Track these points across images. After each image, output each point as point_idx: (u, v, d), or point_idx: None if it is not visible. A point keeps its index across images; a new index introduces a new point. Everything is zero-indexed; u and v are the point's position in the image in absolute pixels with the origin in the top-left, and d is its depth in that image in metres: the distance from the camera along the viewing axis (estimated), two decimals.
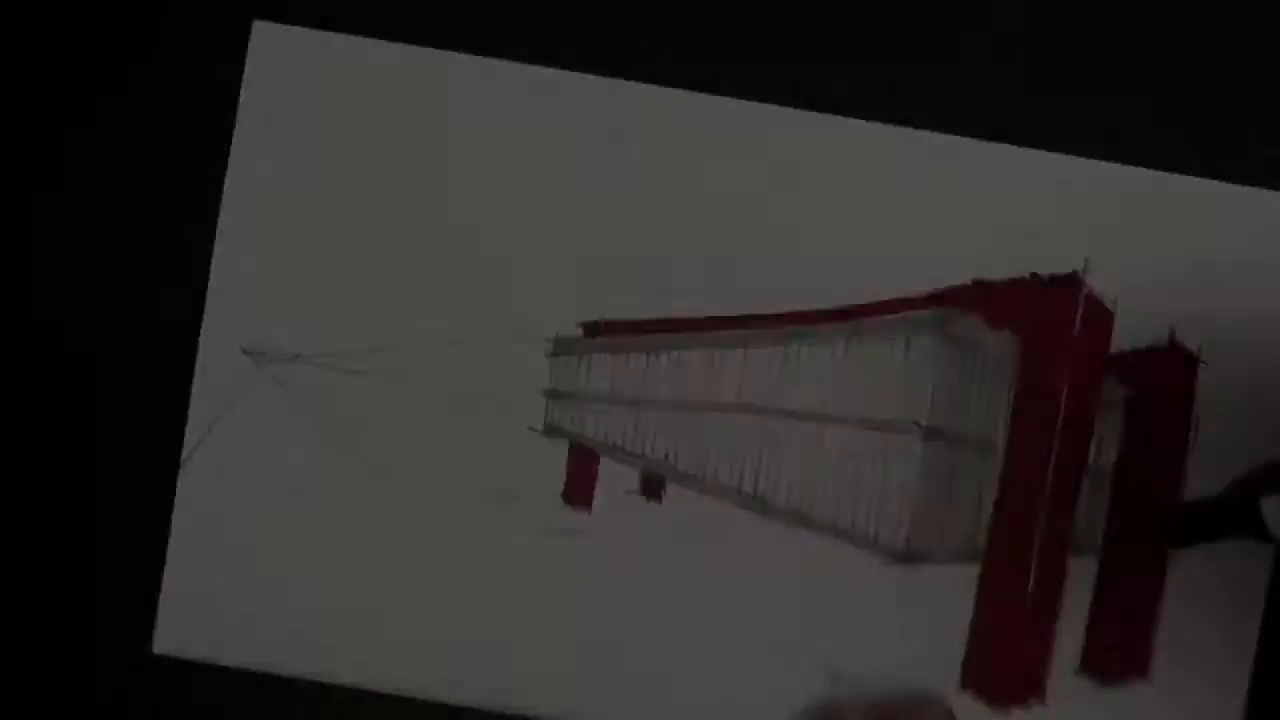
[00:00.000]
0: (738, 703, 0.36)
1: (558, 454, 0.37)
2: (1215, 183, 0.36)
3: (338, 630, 0.36)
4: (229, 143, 0.36)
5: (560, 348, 0.36)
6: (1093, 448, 0.36)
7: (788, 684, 0.36)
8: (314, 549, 0.37)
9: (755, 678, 0.36)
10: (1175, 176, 0.36)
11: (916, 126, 0.36)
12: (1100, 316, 0.36)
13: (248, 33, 0.36)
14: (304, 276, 0.36)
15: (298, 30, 0.36)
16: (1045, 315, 0.36)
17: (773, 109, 0.36)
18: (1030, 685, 0.36)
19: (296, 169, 0.36)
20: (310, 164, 0.36)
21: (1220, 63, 0.36)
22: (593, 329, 0.36)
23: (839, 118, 0.36)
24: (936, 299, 0.36)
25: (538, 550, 0.36)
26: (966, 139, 0.36)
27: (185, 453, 0.36)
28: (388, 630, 0.36)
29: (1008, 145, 0.36)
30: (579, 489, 0.37)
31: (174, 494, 0.36)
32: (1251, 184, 0.36)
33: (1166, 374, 0.36)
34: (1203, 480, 0.36)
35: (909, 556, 0.36)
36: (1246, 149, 0.36)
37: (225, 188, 0.36)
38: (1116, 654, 0.36)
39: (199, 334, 0.37)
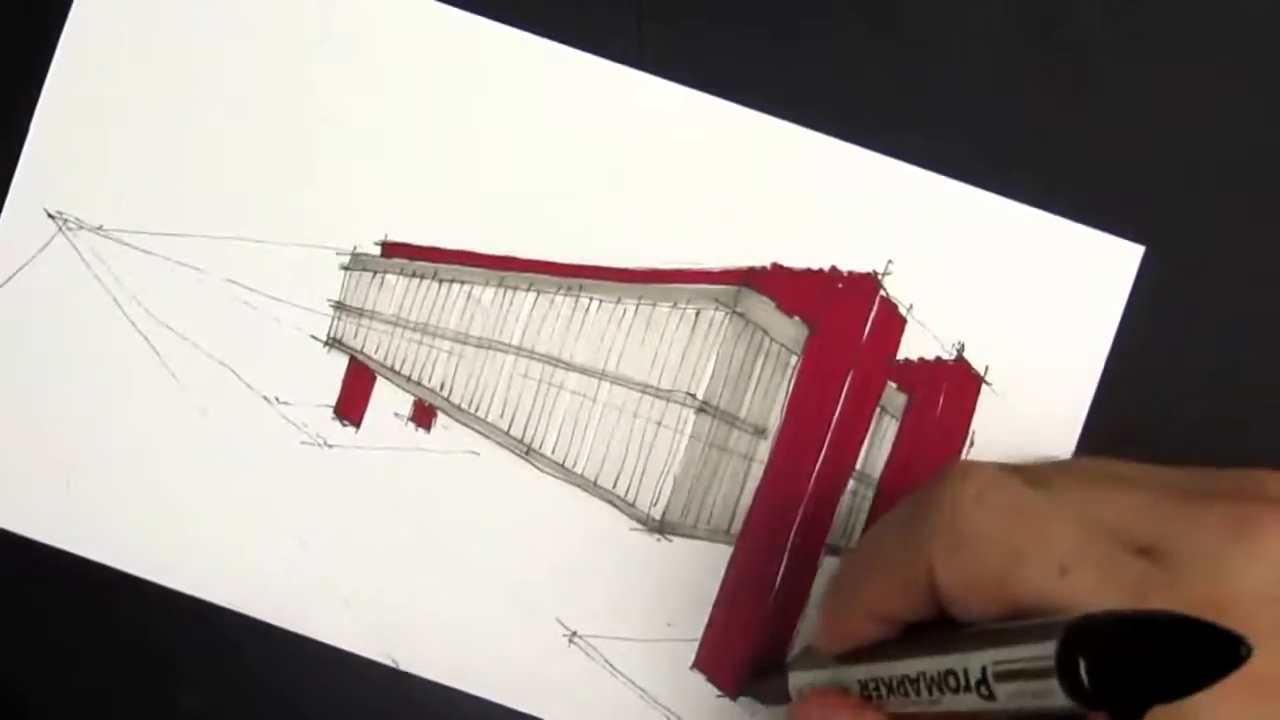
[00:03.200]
0: (469, 645, 0.36)
1: (336, 367, 0.37)
2: (1028, 209, 0.35)
3: (89, 503, 0.37)
4: (69, 6, 0.37)
5: (355, 263, 0.37)
6: (863, 450, 0.36)
7: (523, 634, 0.36)
8: (79, 418, 0.37)
9: (490, 623, 0.36)
10: (988, 195, 0.35)
11: (754, 106, 0.36)
12: (892, 320, 0.36)
13: None
14: (120, 154, 0.37)
15: None
16: (838, 310, 0.36)
17: (617, 68, 0.36)
18: (762, 676, 0.36)
19: (130, 45, 0.37)
20: (145, 43, 0.37)
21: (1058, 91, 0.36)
22: (390, 249, 0.36)
23: (677, 86, 0.36)
24: (733, 276, 0.36)
25: (295, 457, 0.36)
26: (790, 124, 0.36)
27: None
28: (131, 506, 0.37)
29: (831, 137, 0.36)
30: (350, 405, 0.37)
31: None
32: (1071, 217, 0.35)
33: (949, 388, 0.35)
34: None
35: (663, 528, 0.36)
36: (1075, 180, 0.35)
37: (56, 54, 0.37)
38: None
39: (7, 190, 0.37)
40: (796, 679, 0.32)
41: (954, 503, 0.26)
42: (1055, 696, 0.22)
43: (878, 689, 0.28)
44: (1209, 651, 0.21)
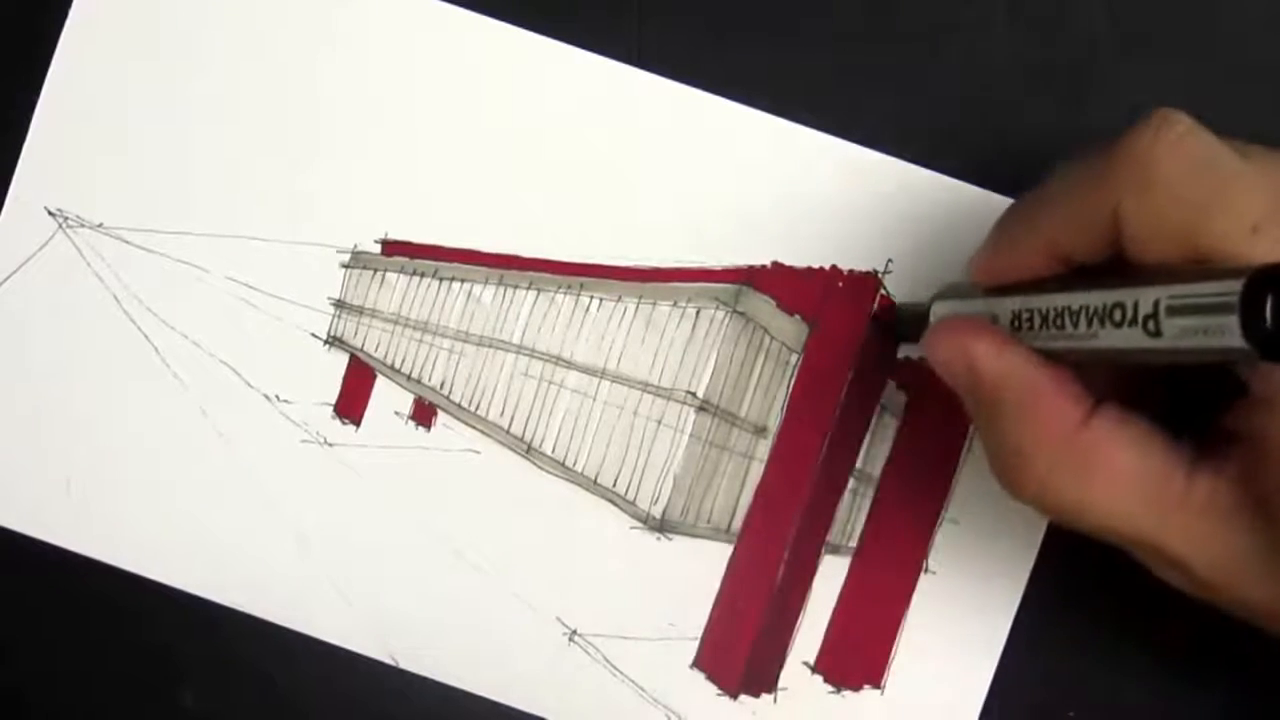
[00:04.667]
0: (469, 643, 0.36)
1: (337, 365, 0.37)
2: None
3: (89, 502, 0.37)
4: (69, 6, 0.37)
5: (356, 260, 0.37)
6: (864, 449, 0.36)
7: (523, 632, 0.36)
8: (80, 416, 0.37)
9: (490, 621, 0.36)
10: (988, 194, 0.35)
11: (754, 105, 0.36)
12: (892, 320, 0.36)
13: None
14: (120, 152, 0.37)
15: None
16: (839, 309, 0.36)
17: (617, 68, 0.36)
18: (762, 675, 0.36)
19: (130, 43, 0.37)
20: (145, 42, 0.37)
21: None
22: (391, 247, 0.36)
23: (677, 85, 0.36)
24: (734, 274, 0.36)
25: (296, 456, 0.36)
26: (790, 124, 0.36)
27: None
28: (131, 504, 0.37)
29: (831, 136, 0.36)
30: (350, 404, 0.37)
31: None
32: None
33: (949, 388, 0.35)
34: (967, 498, 0.35)
35: (663, 526, 0.36)
36: None
37: (56, 53, 0.37)
38: (852, 658, 0.36)
39: (7, 187, 0.37)
40: (940, 308, 0.31)
41: (1153, 144, 0.25)
42: (1228, 335, 0.21)
43: (1030, 320, 0.27)
44: None
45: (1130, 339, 0.24)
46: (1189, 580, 0.27)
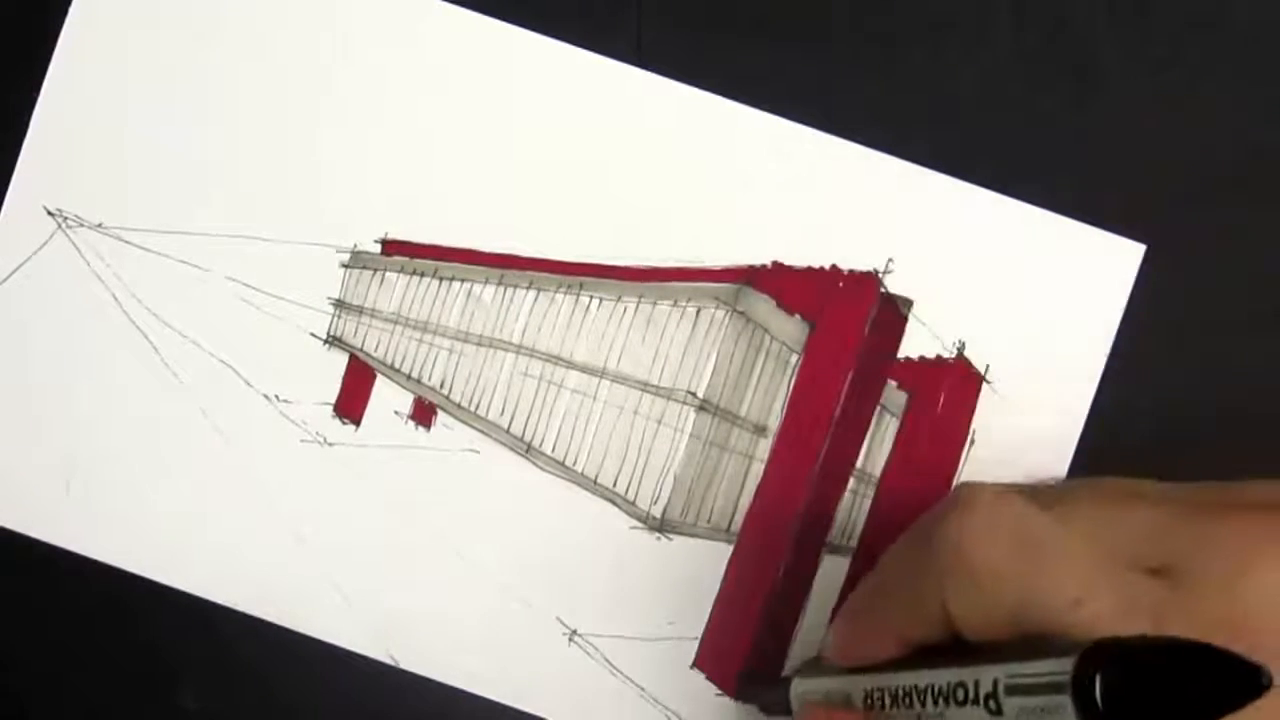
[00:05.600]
0: (469, 643, 0.36)
1: (337, 365, 0.37)
2: (1029, 207, 0.35)
3: (89, 501, 0.37)
4: (69, 6, 0.37)
5: (356, 260, 0.37)
6: (864, 449, 0.36)
7: (522, 632, 0.36)
8: (79, 416, 0.37)
9: (489, 621, 0.36)
10: (989, 194, 0.35)
11: (754, 105, 0.36)
12: (893, 319, 0.36)
13: None
14: (119, 151, 0.37)
15: None
16: (839, 309, 0.36)
17: (617, 67, 0.36)
18: (762, 675, 0.36)
19: (130, 43, 0.37)
20: (144, 41, 0.37)
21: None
22: (391, 247, 0.36)
23: (677, 85, 0.36)
24: (734, 274, 0.36)
25: (295, 455, 0.36)
26: (790, 123, 0.36)
27: None
28: (130, 504, 0.37)
29: (832, 136, 0.36)
30: (350, 403, 0.37)
31: None
32: (1072, 217, 0.35)
33: (949, 386, 0.35)
34: None
35: (663, 526, 0.36)
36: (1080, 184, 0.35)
37: (56, 52, 0.37)
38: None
39: (6, 187, 0.37)
40: (799, 686, 0.32)
41: (960, 538, 0.26)
42: (1065, 714, 0.22)
43: (882, 699, 0.28)
44: (1229, 679, 0.21)
45: (975, 718, 0.25)
46: None
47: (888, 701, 0.28)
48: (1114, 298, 0.35)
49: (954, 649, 0.26)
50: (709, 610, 0.36)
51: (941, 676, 0.26)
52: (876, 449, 0.36)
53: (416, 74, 0.36)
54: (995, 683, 0.24)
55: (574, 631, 0.36)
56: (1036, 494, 0.27)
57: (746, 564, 0.36)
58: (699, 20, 0.36)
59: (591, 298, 0.36)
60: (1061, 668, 0.22)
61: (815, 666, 0.32)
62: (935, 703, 0.26)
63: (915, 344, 0.36)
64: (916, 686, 0.27)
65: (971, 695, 0.25)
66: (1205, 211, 0.35)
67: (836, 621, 0.30)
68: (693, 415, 0.36)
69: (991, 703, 0.24)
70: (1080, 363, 0.35)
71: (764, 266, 0.36)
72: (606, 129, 0.36)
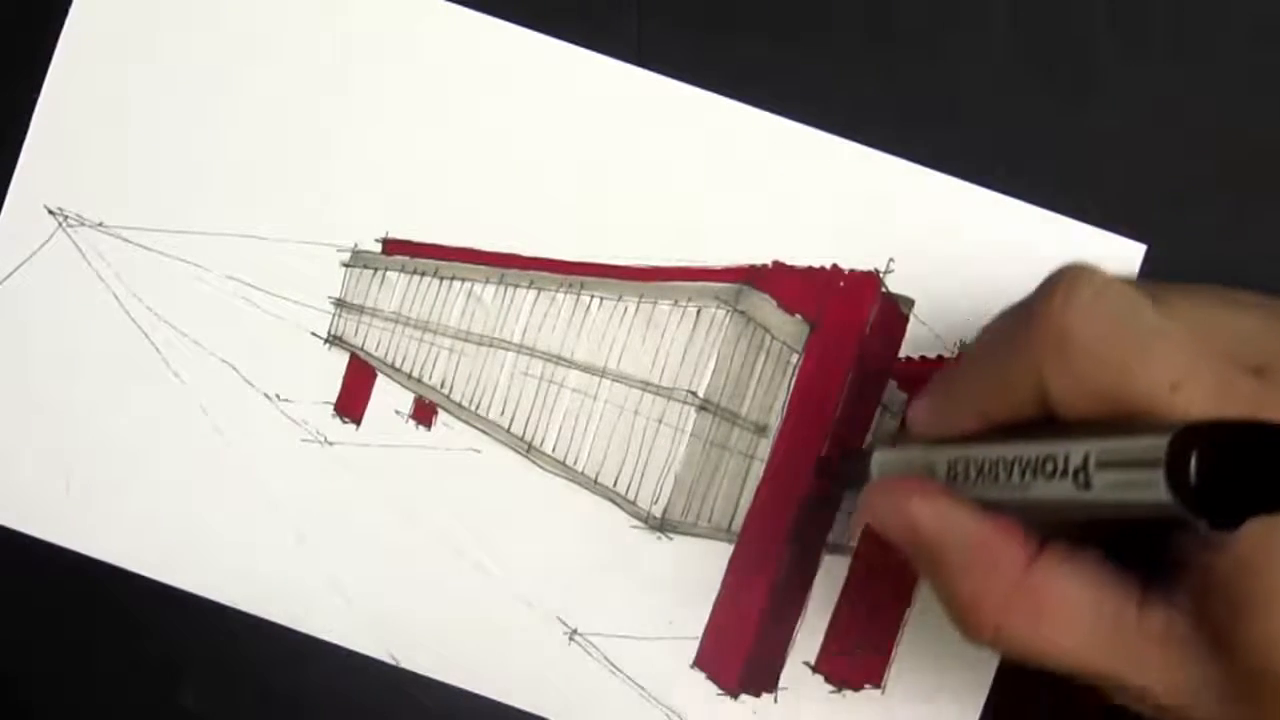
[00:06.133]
0: (469, 642, 0.36)
1: (337, 364, 0.37)
2: (1029, 207, 0.35)
3: (89, 500, 0.37)
4: (69, 5, 0.37)
5: (356, 260, 0.37)
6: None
7: (523, 631, 0.36)
8: (79, 415, 0.37)
9: (490, 620, 0.36)
10: (989, 193, 0.35)
11: (754, 104, 0.36)
12: (893, 319, 0.36)
13: None
14: (120, 150, 0.37)
15: None
16: (839, 308, 0.36)
17: (617, 67, 0.36)
18: (763, 675, 0.36)
19: (131, 42, 0.37)
20: (145, 40, 0.37)
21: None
22: (391, 246, 0.36)
23: (677, 84, 0.36)
24: (734, 274, 0.36)
25: (296, 455, 0.36)
26: (790, 123, 0.36)
27: None
28: (131, 503, 0.37)
29: (831, 136, 0.36)
30: (351, 403, 0.37)
31: None
32: (1072, 217, 0.35)
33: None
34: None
35: (664, 526, 0.36)
36: (1080, 184, 0.35)
37: (56, 51, 0.37)
38: (853, 658, 0.36)
39: (7, 186, 0.37)
40: (880, 457, 0.31)
41: (1065, 313, 0.25)
42: (1155, 490, 0.22)
43: (966, 471, 0.27)
44: None
45: (1061, 491, 0.25)
46: (1149, 707, 0.27)
47: (972, 473, 0.27)
48: None
49: (1038, 428, 0.26)
50: (709, 610, 0.36)
51: (1031, 449, 0.25)
52: None
53: (416, 74, 0.36)
54: (1086, 457, 0.24)
55: (574, 631, 0.36)
56: (1135, 285, 0.27)
57: (746, 564, 0.36)
58: (699, 20, 0.36)
59: (592, 297, 0.36)
60: (1158, 444, 0.22)
61: (897, 438, 0.31)
62: (1021, 475, 0.26)
63: (915, 344, 0.36)
64: (1003, 458, 0.26)
65: (1060, 468, 0.25)
66: (1205, 211, 0.35)
67: (922, 395, 0.30)
68: (693, 415, 0.36)
69: (1080, 476, 0.24)
70: None
71: (764, 266, 0.36)
72: (606, 129, 0.36)
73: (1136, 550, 0.27)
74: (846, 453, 0.35)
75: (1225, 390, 0.24)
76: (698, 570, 0.36)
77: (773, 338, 0.36)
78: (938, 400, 0.29)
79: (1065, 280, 0.26)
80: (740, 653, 0.36)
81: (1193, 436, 0.22)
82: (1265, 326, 0.27)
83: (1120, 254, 0.35)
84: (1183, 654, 0.26)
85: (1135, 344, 0.25)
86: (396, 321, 0.37)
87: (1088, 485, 0.24)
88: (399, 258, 0.36)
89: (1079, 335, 0.25)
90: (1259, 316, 0.27)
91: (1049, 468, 0.25)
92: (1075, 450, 0.24)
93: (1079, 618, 0.26)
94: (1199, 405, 0.24)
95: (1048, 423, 0.26)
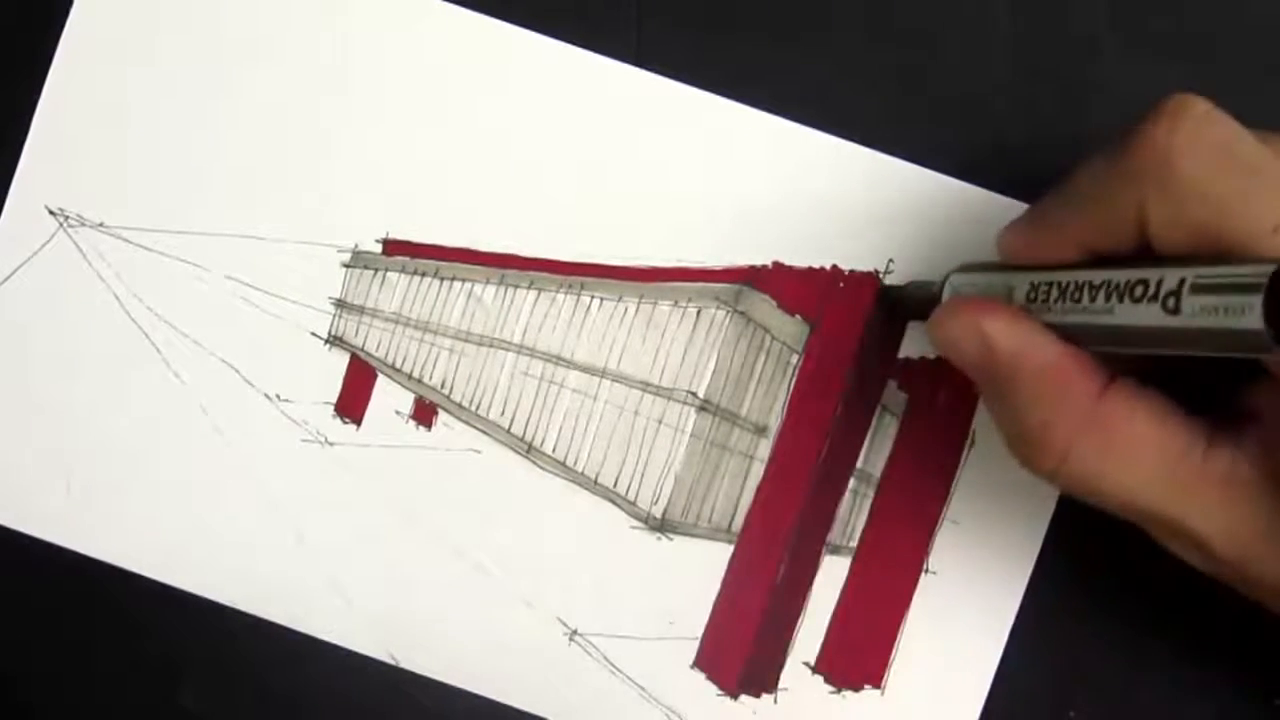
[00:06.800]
0: (469, 642, 0.36)
1: (338, 364, 0.37)
2: (1026, 206, 0.35)
3: (89, 501, 0.37)
4: (69, 6, 0.37)
5: (357, 260, 0.37)
6: (864, 449, 0.36)
7: (523, 631, 0.36)
8: (80, 415, 0.37)
9: (490, 620, 0.36)
10: (988, 194, 0.35)
11: (754, 104, 0.36)
12: (901, 296, 0.35)
13: None
14: (121, 151, 0.37)
15: None
16: (839, 309, 0.36)
17: (617, 67, 0.36)
18: (762, 675, 0.36)
19: (131, 43, 0.37)
20: (146, 41, 0.37)
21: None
22: (392, 247, 0.36)
23: (677, 85, 0.36)
24: (734, 274, 0.36)
25: (296, 455, 0.36)
26: (790, 123, 0.36)
27: None
28: (131, 503, 0.37)
29: (831, 136, 0.36)
30: (351, 403, 0.37)
31: None
32: None
33: (949, 386, 0.35)
34: (967, 498, 0.35)
35: (664, 526, 0.36)
36: None
37: (57, 52, 0.37)
38: (853, 658, 0.36)
39: (8, 187, 0.37)
40: (956, 280, 0.31)
41: (1169, 145, 0.25)
42: (1249, 318, 0.22)
43: (1048, 293, 0.27)
44: None
45: (1146, 316, 0.24)
46: (1204, 557, 0.27)
47: (1054, 295, 0.27)
48: None
49: (1133, 260, 0.26)
50: (709, 610, 0.36)
51: (1123, 274, 0.25)
52: (876, 449, 0.36)
53: (416, 74, 0.36)
54: (1182, 281, 0.24)
55: (574, 631, 0.36)
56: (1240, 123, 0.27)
57: (746, 564, 0.36)
58: (699, 20, 0.36)
59: (592, 298, 0.36)
60: (1260, 271, 0.22)
61: (971, 266, 0.31)
62: (1107, 298, 0.25)
63: (915, 344, 0.36)
64: (1091, 281, 0.26)
65: (1151, 292, 0.24)
66: None
67: (1017, 222, 0.29)
68: (693, 415, 0.36)
69: (1171, 300, 0.24)
70: None
71: (764, 266, 0.36)
72: (606, 129, 0.36)
73: (1205, 401, 0.27)
74: (913, 284, 0.34)
75: None
76: (698, 570, 0.36)
77: (773, 338, 0.36)
78: (1035, 227, 0.29)
79: (1169, 112, 0.25)
80: (740, 653, 0.36)
81: None
82: None
83: None
84: (1246, 500, 0.25)
85: (1238, 181, 0.24)
86: (397, 322, 0.37)
87: (1176, 309, 0.24)
88: (399, 258, 0.36)
89: (1182, 167, 0.25)
90: None
91: (1138, 291, 0.25)
92: (1171, 274, 0.24)
93: (1146, 453, 0.26)
94: None
95: (1144, 258, 0.26)
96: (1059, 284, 0.27)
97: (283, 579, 0.36)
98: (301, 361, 0.36)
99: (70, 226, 0.37)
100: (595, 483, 0.36)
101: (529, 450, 0.36)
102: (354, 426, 0.37)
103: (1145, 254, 0.26)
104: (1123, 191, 0.26)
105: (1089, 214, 0.27)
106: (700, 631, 0.36)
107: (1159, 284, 0.24)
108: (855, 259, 0.36)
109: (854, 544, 0.36)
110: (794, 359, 0.36)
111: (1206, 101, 0.26)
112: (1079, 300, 0.26)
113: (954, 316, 0.28)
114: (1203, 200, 0.25)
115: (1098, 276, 0.26)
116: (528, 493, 0.36)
